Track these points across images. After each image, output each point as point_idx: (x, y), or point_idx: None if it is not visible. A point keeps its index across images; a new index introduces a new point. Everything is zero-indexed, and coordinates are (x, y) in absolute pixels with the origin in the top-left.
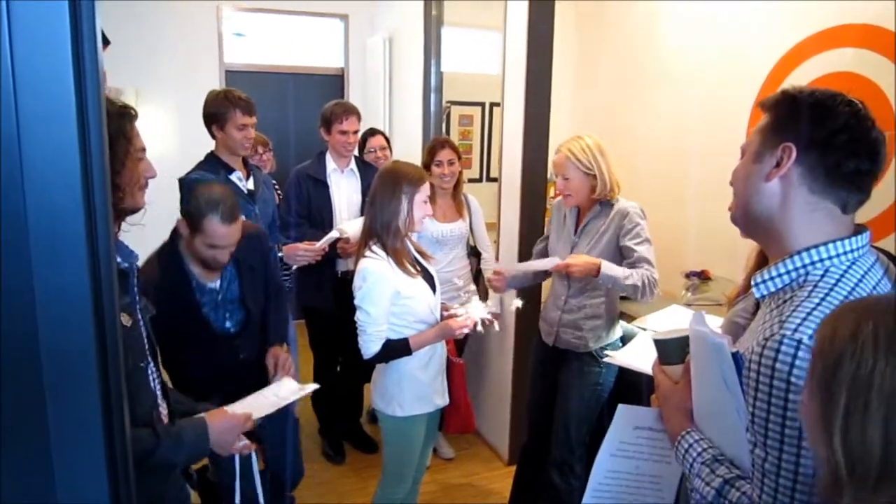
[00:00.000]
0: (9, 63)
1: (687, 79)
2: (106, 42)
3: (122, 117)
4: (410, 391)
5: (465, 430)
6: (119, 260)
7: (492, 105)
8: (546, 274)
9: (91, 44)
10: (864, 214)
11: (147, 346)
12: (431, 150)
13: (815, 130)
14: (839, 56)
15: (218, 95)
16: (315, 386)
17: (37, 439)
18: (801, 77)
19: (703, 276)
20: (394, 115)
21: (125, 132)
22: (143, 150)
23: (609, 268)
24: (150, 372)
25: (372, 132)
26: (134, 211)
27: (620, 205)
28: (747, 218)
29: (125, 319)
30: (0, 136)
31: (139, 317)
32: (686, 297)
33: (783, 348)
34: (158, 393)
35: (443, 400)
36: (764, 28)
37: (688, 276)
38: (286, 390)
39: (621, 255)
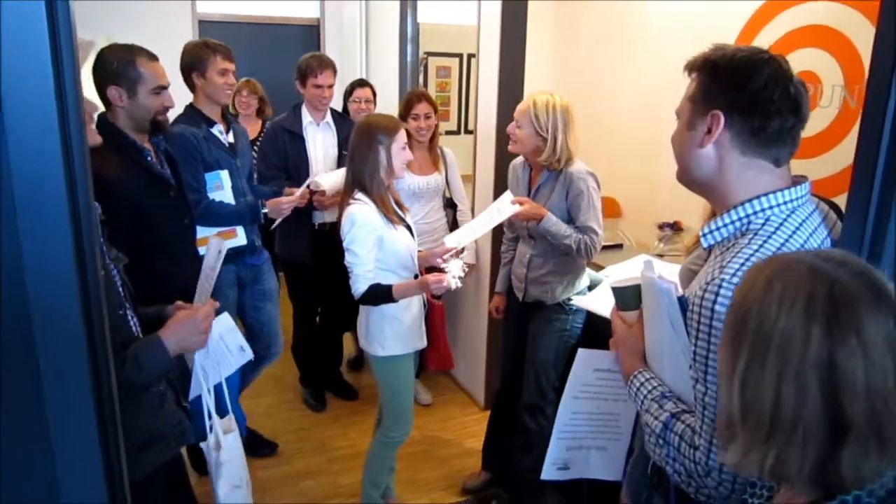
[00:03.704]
0: None
1: (663, 35)
2: None
3: None
4: (392, 332)
5: (444, 366)
6: None
7: (469, 56)
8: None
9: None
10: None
11: (124, 294)
12: (408, 104)
13: (738, 96)
14: (811, 10)
15: (196, 44)
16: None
17: (28, 380)
18: (774, 31)
19: (676, 227)
20: (371, 66)
21: None
22: None
23: (550, 222)
24: (129, 317)
25: (361, 83)
26: None
27: (569, 169)
28: (689, 179)
29: None
30: None
31: (112, 266)
32: (659, 248)
33: (722, 291)
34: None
35: (421, 342)
36: None
37: (661, 227)
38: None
39: (570, 219)
